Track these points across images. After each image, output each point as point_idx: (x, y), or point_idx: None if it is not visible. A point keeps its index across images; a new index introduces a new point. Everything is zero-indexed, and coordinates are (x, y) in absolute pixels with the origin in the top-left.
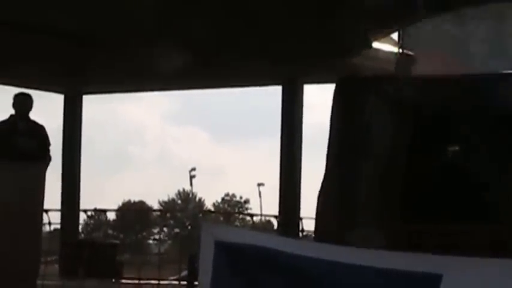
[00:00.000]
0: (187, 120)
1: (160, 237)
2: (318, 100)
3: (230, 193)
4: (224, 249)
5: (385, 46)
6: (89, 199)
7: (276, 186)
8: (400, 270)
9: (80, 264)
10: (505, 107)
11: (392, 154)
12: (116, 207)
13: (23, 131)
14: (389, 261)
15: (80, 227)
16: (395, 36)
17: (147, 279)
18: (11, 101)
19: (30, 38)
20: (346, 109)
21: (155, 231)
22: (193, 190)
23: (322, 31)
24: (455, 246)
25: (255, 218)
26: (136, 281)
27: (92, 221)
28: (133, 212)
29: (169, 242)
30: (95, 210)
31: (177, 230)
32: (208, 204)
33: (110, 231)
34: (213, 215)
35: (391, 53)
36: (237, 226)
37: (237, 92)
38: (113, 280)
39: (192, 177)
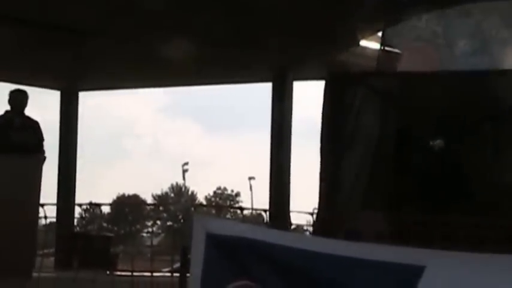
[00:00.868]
0: (179, 115)
1: (153, 230)
2: (307, 95)
3: (222, 186)
4: (215, 242)
5: (372, 44)
6: (84, 193)
7: (266, 180)
8: (382, 261)
9: (74, 256)
10: (487, 103)
11: (380, 146)
12: (110, 200)
13: (19, 127)
14: (373, 253)
15: (76, 220)
16: (381, 33)
17: (141, 271)
18: (7, 97)
19: (26, 33)
20: (336, 104)
21: (148, 224)
22: (186, 184)
23: (311, 28)
24: (438, 237)
25: (245, 211)
26: (130, 273)
27: (87, 215)
28: (127, 206)
29: (162, 234)
30: (90, 204)
31: (169, 223)
32: (201, 198)
33: (105, 224)
34: (205, 208)
35: (378, 50)
36: (228, 219)
37: (228, 87)
38: (107, 272)
39: (184, 171)
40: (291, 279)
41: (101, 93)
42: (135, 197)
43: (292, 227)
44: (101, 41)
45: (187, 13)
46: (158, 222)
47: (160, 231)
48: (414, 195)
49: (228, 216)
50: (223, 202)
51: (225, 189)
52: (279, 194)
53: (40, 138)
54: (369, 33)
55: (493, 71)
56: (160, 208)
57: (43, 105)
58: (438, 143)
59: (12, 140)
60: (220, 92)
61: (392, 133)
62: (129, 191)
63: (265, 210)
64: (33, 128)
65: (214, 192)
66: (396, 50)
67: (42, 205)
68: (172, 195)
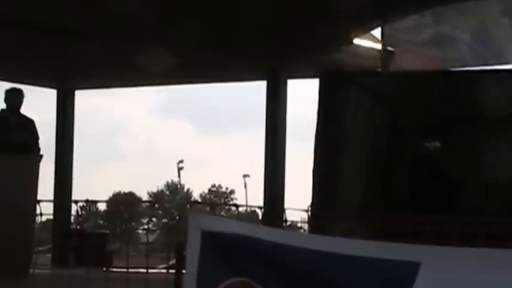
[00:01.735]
0: (173, 113)
1: (149, 227)
2: (301, 94)
3: (216, 184)
4: (211, 239)
5: (366, 42)
6: (80, 190)
7: (260, 178)
8: (379, 258)
9: (70, 253)
10: (480, 102)
11: (374, 145)
12: (106, 198)
13: (15, 125)
14: (368, 250)
15: (72, 217)
16: (375, 32)
17: (136, 267)
18: (3, 96)
19: (22, 33)
20: (330, 102)
21: (144, 221)
22: (181, 182)
23: (305, 27)
24: (432, 235)
25: (240, 209)
26: (125, 270)
27: (83, 212)
28: (123, 203)
29: (158, 232)
30: (86, 201)
31: (165, 221)
32: (196, 195)
33: (101, 222)
34: (200, 205)
35: (372, 49)
36: (223, 216)
37: (222, 86)
38: (103, 269)
39: (180, 169)
40: (286, 276)
41: (96, 92)
42: (131, 195)
43: (288, 224)
44: (96, 41)
45: (180, 13)
46: (154, 219)
47: (155, 228)
48: (407, 193)
49: (223, 213)
50: (218, 200)
51: (219, 186)
52: (274, 191)
53: (36, 137)
54: (362, 32)
55: (487, 70)
56: (156, 206)
57: (39, 104)
58: (431, 141)
59: (8, 138)
60: (215, 91)
61: (385, 132)
62: (125, 188)
63: (260, 208)
64: (29, 127)
65: (209, 190)
66: (390, 49)
67: (39, 202)
68: (167, 193)
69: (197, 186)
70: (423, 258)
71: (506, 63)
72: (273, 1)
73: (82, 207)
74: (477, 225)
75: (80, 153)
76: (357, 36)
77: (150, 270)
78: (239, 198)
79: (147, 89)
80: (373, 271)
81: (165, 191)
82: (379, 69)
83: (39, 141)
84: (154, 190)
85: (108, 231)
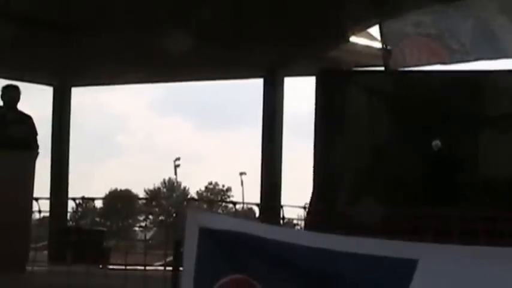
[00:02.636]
0: (170, 111)
1: (146, 225)
2: (298, 91)
3: (213, 182)
4: (208, 236)
5: (362, 40)
6: (77, 187)
7: (257, 176)
8: (376, 255)
9: (68, 250)
10: (477, 99)
11: (372, 142)
12: (103, 195)
13: (12, 121)
14: (366, 247)
15: (69, 214)
16: (372, 30)
17: (133, 265)
18: None
19: (19, 29)
20: (328, 99)
21: (141, 218)
22: (178, 179)
23: (302, 24)
24: (431, 230)
25: (237, 206)
26: (123, 267)
27: (80, 209)
28: (120, 200)
29: (155, 229)
30: (83, 198)
31: (162, 218)
32: (192, 193)
33: (97, 219)
34: (197, 202)
35: (368, 47)
36: (220, 214)
37: (219, 83)
38: (100, 266)
39: (176, 166)
40: (283, 273)
41: (93, 89)
42: (128, 192)
43: (285, 221)
44: (94, 37)
45: (178, 10)
46: (150, 216)
47: (152, 225)
48: (406, 189)
49: (220, 211)
50: (215, 197)
51: (216, 184)
52: (270, 188)
53: (33, 133)
54: (360, 30)
55: (484, 70)
56: (153, 203)
57: (36, 101)
58: (430, 137)
59: (5, 134)
60: (212, 88)
61: (383, 128)
62: (122, 185)
63: (257, 205)
64: (27, 123)
65: (206, 187)
66: (389, 47)
67: (37, 199)
68: (164, 190)
69: (194, 184)
70: (421, 255)
71: (505, 57)
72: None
73: (79, 204)
74: (477, 222)
75: (77, 150)
76: (354, 34)
77: (147, 267)
78: (236, 196)
79: (145, 86)
80: (371, 268)
81: (161, 188)
82: (380, 67)
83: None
84: (151, 187)
85: (105, 229)
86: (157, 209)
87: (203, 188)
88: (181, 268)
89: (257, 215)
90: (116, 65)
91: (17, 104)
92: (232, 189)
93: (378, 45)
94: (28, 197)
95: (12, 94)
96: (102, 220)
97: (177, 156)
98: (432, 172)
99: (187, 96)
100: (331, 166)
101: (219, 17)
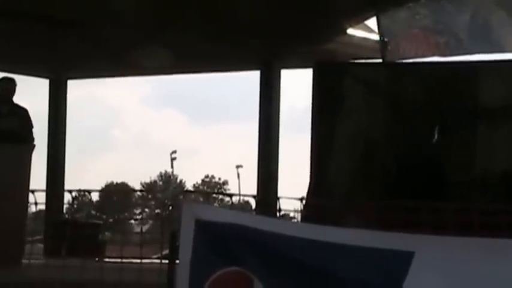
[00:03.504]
0: (166, 103)
1: (142, 217)
2: (295, 84)
3: (209, 175)
4: (204, 228)
5: (360, 32)
6: (73, 180)
7: (254, 168)
8: (372, 247)
9: (63, 243)
10: (474, 93)
11: (369, 135)
12: (99, 188)
13: (7, 115)
14: (362, 239)
15: (65, 207)
16: (369, 22)
17: (130, 258)
18: None
19: (15, 23)
20: (325, 92)
21: (137, 211)
22: (174, 172)
23: (299, 17)
24: (427, 223)
25: (233, 199)
26: (119, 260)
27: (76, 202)
28: (116, 193)
29: (151, 221)
30: (79, 190)
31: (158, 211)
32: (189, 186)
33: (93, 212)
34: (193, 195)
35: (366, 39)
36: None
37: (215, 76)
38: (96, 259)
39: (173, 159)
40: (280, 266)
41: (88, 82)
42: (124, 185)
43: (282, 213)
44: (89, 30)
45: (174, 3)
46: (146, 210)
47: (148, 218)
48: (403, 183)
49: (216, 203)
50: (211, 190)
51: (212, 177)
52: (267, 181)
53: (29, 126)
54: (356, 22)
55: (482, 61)
56: (149, 196)
57: (31, 94)
58: (427, 131)
59: (0, 127)
60: (208, 81)
61: (380, 122)
62: (118, 178)
63: (254, 197)
64: (22, 116)
65: (202, 181)
66: (386, 39)
67: (33, 191)
68: (160, 183)
69: (190, 177)
70: (417, 247)
71: (502, 51)
72: None
73: (75, 197)
74: (473, 214)
75: (73, 143)
76: (351, 26)
77: (143, 260)
78: (232, 189)
79: (141, 79)
80: (367, 260)
81: (158, 181)
82: (378, 59)
83: (33, 130)
84: (147, 180)
85: (101, 222)
86: (153, 202)
87: (200, 181)
88: (177, 261)
89: (253, 207)
90: (112, 58)
91: (12, 96)
92: (229, 182)
93: (375, 37)
94: (24, 190)
95: (8, 86)
96: (98, 213)
97: (174, 149)
98: (431, 166)
99: (183, 89)
100: (328, 158)
101: (215, 10)
